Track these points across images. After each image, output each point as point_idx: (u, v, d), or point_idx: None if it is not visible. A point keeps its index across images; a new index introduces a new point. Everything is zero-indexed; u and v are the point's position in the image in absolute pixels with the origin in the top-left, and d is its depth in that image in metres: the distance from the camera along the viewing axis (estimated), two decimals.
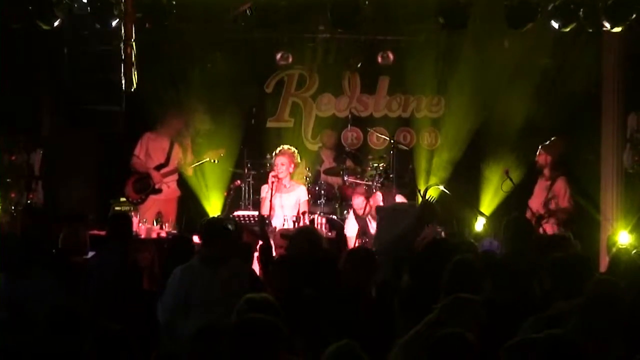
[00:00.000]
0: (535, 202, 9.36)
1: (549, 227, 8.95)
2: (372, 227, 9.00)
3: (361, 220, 9.15)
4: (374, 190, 9.34)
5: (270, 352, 3.67)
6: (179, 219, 9.91)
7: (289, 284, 5.91)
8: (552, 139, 9.68)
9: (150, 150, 10.17)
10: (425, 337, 3.95)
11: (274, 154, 9.35)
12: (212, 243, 5.94)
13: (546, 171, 9.47)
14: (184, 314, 5.72)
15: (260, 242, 7.33)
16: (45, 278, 5.83)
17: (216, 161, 10.20)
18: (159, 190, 10.08)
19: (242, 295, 4.65)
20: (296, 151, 9.38)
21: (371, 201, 9.10)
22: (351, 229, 9.31)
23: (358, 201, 9.15)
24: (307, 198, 9.32)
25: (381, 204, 9.08)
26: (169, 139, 10.21)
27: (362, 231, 9.10)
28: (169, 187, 10.21)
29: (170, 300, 5.79)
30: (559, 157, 9.50)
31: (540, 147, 9.60)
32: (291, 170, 9.25)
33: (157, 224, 9.42)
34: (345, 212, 10.02)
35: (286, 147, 9.38)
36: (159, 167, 10.11)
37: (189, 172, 10.27)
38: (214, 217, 7.79)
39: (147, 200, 10.03)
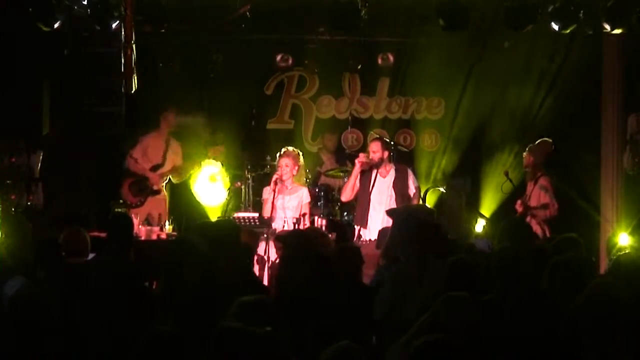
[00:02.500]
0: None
1: (533, 225, 9.00)
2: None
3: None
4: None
5: None
6: (177, 220, 9.88)
7: (289, 285, 5.93)
8: (539, 140, 9.71)
9: (147, 151, 10.11)
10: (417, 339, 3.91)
11: (277, 154, 9.24)
12: (421, 240, 6.01)
13: (530, 171, 9.53)
14: (400, 307, 5.78)
15: None
16: (55, 280, 5.86)
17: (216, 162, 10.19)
18: (158, 192, 10.05)
19: None
20: (301, 153, 9.32)
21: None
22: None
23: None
24: (309, 200, 9.26)
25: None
26: (165, 139, 10.16)
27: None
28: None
29: (389, 294, 5.82)
30: (544, 159, 9.52)
31: (527, 148, 9.64)
32: (295, 172, 9.19)
33: (148, 225, 9.41)
34: (344, 213, 9.99)
35: (290, 148, 9.25)
36: (155, 168, 10.05)
37: (183, 177, 10.22)
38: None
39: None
